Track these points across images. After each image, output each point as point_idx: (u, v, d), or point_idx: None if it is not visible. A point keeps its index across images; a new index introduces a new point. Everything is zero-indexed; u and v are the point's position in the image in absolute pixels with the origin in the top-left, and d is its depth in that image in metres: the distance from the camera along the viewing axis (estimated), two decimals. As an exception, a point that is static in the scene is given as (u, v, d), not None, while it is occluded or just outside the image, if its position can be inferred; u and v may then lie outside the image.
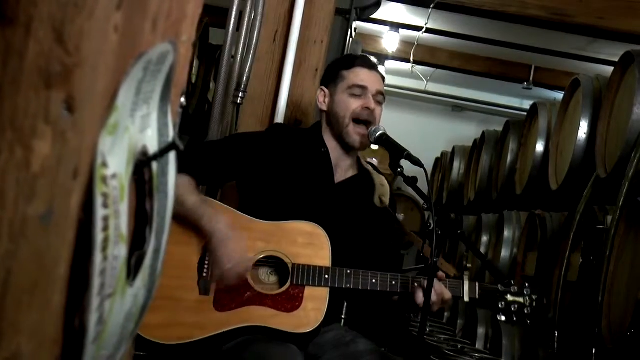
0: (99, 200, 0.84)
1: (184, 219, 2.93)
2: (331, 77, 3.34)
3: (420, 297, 2.97)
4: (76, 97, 0.77)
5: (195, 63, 7.20)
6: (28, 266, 0.75)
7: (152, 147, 1.01)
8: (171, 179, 1.08)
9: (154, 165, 1.02)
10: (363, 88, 3.22)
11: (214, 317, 2.93)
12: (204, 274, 2.97)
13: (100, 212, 0.84)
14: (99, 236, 0.84)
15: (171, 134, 1.06)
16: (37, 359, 0.81)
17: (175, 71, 1.03)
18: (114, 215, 0.89)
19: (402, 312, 2.98)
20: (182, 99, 1.15)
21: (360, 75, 3.25)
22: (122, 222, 0.92)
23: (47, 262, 0.79)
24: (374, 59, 3.39)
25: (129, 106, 0.92)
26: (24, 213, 0.74)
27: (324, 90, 3.34)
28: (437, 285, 2.96)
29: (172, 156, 1.07)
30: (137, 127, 0.96)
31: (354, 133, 3.21)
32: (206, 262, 2.98)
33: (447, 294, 3.02)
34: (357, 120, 3.21)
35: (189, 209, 2.92)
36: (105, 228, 0.86)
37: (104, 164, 0.86)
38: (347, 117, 3.21)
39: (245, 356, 2.83)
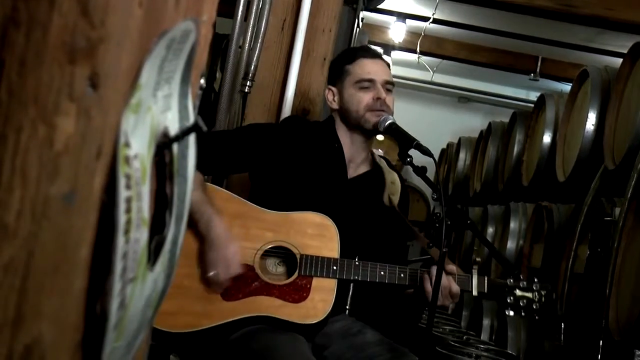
0: (122, 181, 0.81)
1: None
2: (336, 74, 3.31)
3: (428, 287, 2.96)
4: (100, 74, 0.75)
5: (201, 52, 7.17)
6: (50, 248, 0.73)
7: (173, 129, 0.99)
8: (191, 162, 1.06)
9: (175, 147, 0.99)
10: (370, 81, 3.19)
11: (221, 306, 2.92)
12: None
13: (123, 193, 0.82)
14: (122, 218, 0.82)
15: (192, 116, 1.03)
16: (58, 344, 0.78)
17: (196, 51, 1.01)
18: (136, 198, 0.86)
19: (415, 307, 2.96)
20: (202, 81, 1.12)
21: (365, 67, 3.22)
22: (144, 204, 0.90)
23: (69, 244, 0.77)
24: (377, 48, 3.35)
25: (151, 85, 0.90)
26: (46, 193, 0.71)
27: (331, 90, 3.31)
28: (444, 279, 2.93)
29: (192, 139, 1.05)
30: (159, 107, 0.94)
31: (373, 117, 3.18)
32: None
33: (455, 287, 3.00)
34: (372, 110, 3.19)
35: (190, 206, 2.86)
36: (128, 210, 0.83)
37: (127, 144, 0.83)
38: (360, 110, 3.18)
39: (252, 346, 2.83)
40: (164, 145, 0.95)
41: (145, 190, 0.90)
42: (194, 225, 2.88)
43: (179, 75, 0.98)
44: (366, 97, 3.18)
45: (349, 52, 3.37)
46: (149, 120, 0.90)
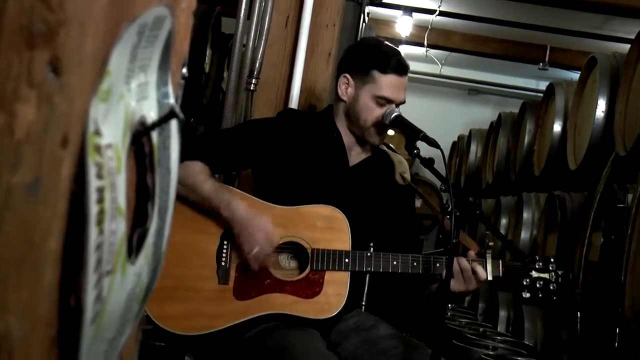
0: (91, 170, 0.79)
1: (201, 206, 2.92)
2: (360, 69, 3.21)
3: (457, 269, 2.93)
4: (62, 59, 0.73)
5: (208, 52, 7.18)
6: (14, 240, 0.71)
7: (151, 119, 0.96)
8: (174, 153, 1.03)
9: (154, 137, 0.97)
10: (390, 101, 3.16)
11: (234, 306, 2.91)
12: (223, 263, 2.95)
13: (93, 182, 0.79)
14: (93, 208, 0.79)
15: (171, 104, 1.01)
16: (29, 340, 0.76)
17: (174, 39, 0.98)
18: (110, 188, 0.84)
19: (440, 302, 2.91)
20: (184, 70, 1.10)
21: (391, 85, 3.15)
22: (120, 195, 0.88)
23: (35, 235, 0.74)
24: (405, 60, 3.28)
25: (123, 72, 0.87)
26: (8, 182, 0.69)
27: (347, 79, 3.25)
28: (465, 263, 2.91)
29: (173, 129, 1.02)
30: (134, 95, 0.91)
31: (375, 134, 3.18)
32: (224, 251, 2.97)
33: (481, 270, 2.94)
34: (377, 126, 3.17)
35: (205, 195, 2.91)
36: (100, 200, 0.81)
37: (97, 132, 0.81)
38: (368, 122, 3.16)
39: (268, 343, 2.81)
40: (140, 135, 0.93)
41: (121, 181, 0.88)
42: (214, 213, 2.92)
43: (155, 64, 0.96)
44: (378, 113, 3.15)
45: (383, 57, 3.20)
46: (122, 108, 0.87)
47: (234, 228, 2.90)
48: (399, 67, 3.19)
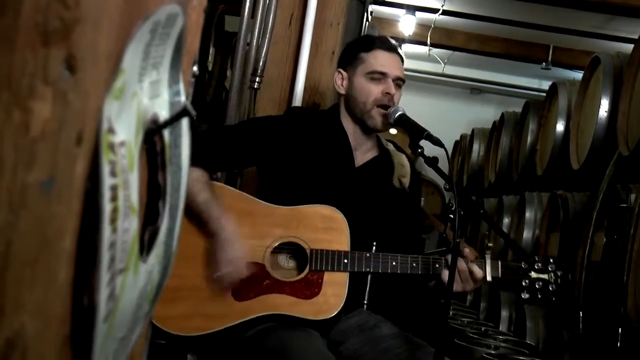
0: (105, 168, 0.79)
1: (194, 214, 2.92)
2: (349, 59, 3.29)
3: (445, 277, 2.93)
4: (77, 56, 0.72)
5: (212, 51, 7.17)
6: (29, 238, 0.70)
7: (163, 117, 0.96)
8: (184, 151, 1.03)
9: (166, 135, 0.97)
10: (383, 74, 3.17)
11: (233, 306, 2.90)
12: None
13: (107, 180, 0.79)
14: (107, 206, 0.79)
15: (183, 102, 1.01)
16: (42, 338, 0.76)
17: (185, 37, 0.98)
18: (123, 186, 0.84)
19: (439, 300, 2.91)
20: (195, 68, 1.10)
21: (379, 60, 3.19)
22: (133, 193, 0.87)
23: (50, 233, 0.74)
24: (392, 40, 3.32)
25: (136, 70, 0.87)
26: (23, 180, 0.69)
27: (341, 73, 3.29)
28: (463, 264, 2.91)
29: (184, 127, 1.02)
30: (146, 93, 0.91)
31: (378, 115, 3.17)
32: None
33: (476, 269, 2.95)
34: (379, 105, 3.17)
35: (197, 207, 2.89)
36: (114, 198, 0.81)
37: (111, 130, 0.81)
38: (368, 103, 3.17)
39: (267, 343, 2.81)
40: (152, 132, 0.93)
41: (134, 179, 0.88)
42: (203, 226, 2.89)
43: (167, 61, 0.96)
44: (375, 90, 3.16)
45: (366, 39, 3.35)
46: (135, 106, 0.87)
47: (215, 243, 2.87)
48: (383, 43, 3.26)
